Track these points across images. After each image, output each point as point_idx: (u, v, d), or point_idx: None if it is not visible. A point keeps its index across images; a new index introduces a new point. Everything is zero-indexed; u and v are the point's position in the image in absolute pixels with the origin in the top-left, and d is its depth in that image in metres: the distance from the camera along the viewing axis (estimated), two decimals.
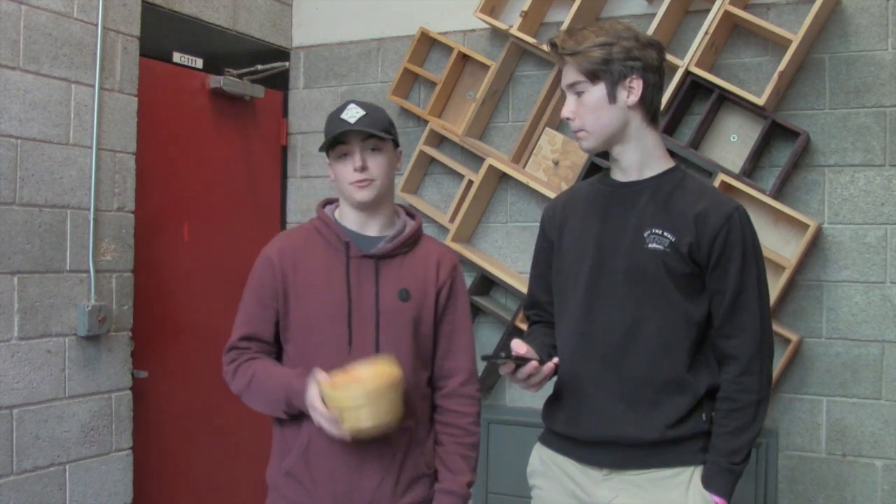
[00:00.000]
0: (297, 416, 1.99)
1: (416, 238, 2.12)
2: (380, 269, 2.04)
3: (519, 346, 1.87)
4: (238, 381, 2.04)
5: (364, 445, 1.95)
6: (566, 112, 1.94)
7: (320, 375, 1.88)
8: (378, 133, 2.01)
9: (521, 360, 1.84)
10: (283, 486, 2.03)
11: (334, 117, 2.03)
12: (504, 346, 3.44)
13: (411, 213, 2.19)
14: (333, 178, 2.08)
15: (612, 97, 1.89)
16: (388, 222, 2.10)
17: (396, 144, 2.11)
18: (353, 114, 2.00)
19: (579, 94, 1.91)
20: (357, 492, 1.98)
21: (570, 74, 1.92)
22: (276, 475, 2.06)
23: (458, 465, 2.07)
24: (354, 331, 1.99)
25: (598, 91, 1.89)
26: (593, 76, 1.88)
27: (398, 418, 1.90)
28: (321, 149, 2.05)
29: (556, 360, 1.90)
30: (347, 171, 2.02)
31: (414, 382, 2.02)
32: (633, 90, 1.90)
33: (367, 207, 2.05)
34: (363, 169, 2.00)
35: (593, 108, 1.90)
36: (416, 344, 2.04)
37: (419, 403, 2.05)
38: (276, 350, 2.09)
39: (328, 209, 2.13)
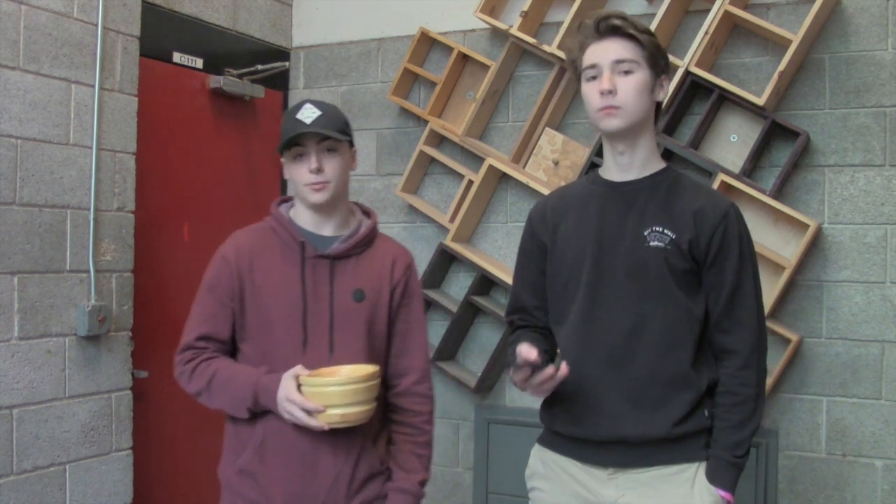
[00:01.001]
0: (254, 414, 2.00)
1: (371, 237, 2.12)
2: (335, 270, 2.04)
3: (529, 353, 1.85)
4: (196, 381, 2.02)
5: (318, 444, 1.97)
6: (608, 84, 1.88)
7: (300, 369, 1.91)
8: (332, 134, 2.00)
9: (538, 367, 1.83)
10: (237, 485, 2.03)
11: (290, 117, 2.02)
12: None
13: (367, 210, 2.19)
14: (288, 177, 2.07)
15: (652, 87, 1.93)
16: (344, 222, 2.10)
17: (352, 144, 2.11)
18: (309, 114, 1.99)
19: (627, 72, 1.89)
20: (312, 490, 1.98)
21: (626, 51, 1.89)
22: (229, 473, 2.05)
23: (411, 463, 2.08)
24: (309, 331, 2.00)
25: (646, 75, 1.91)
26: (650, 58, 1.91)
27: (373, 410, 1.94)
28: (279, 149, 2.03)
29: (565, 364, 1.88)
30: (303, 172, 2.01)
31: None
32: (663, 88, 1.96)
33: (323, 209, 2.05)
34: (319, 171, 2.00)
35: (639, 90, 1.90)
36: (371, 344, 2.05)
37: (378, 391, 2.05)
38: (232, 350, 2.08)
39: (283, 208, 2.13)
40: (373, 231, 2.13)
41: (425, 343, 2.16)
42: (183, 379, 2.05)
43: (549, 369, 1.83)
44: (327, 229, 2.07)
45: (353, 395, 1.87)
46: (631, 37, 1.89)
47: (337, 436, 1.96)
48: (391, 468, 2.09)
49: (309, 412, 1.87)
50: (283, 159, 2.07)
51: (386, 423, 2.12)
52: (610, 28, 1.91)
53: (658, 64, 1.93)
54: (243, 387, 1.96)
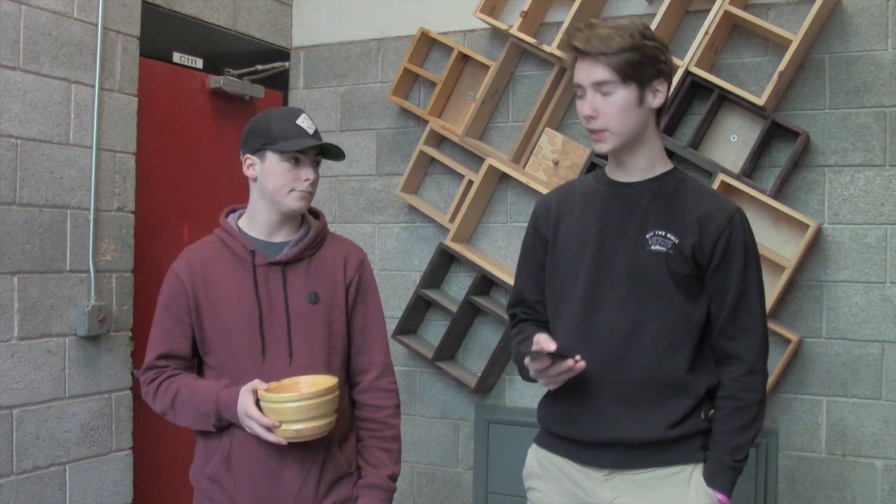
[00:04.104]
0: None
1: (321, 239, 2.12)
2: (287, 275, 2.05)
3: (548, 343, 1.85)
4: (161, 401, 2.04)
5: (284, 451, 1.97)
6: (588, 110, 1.88)
7: (257, 384, 1.91)
8: (334, 151, 2.06)
9: (559, 357, 1.81)
10: (207, 489, 2.05)
11: (289, 122, 2.02)
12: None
13: (316, 212, 2.20)
14: (255, 175, 2.05)
15: (641, 99, 1.87)
16: (296, 227, 2.11)
17: None
18: (309, 124, 2.03)
19: (605, 94, 1.86)
20: (279, 496, 1.99)
21: (598, 72, 1.85)
22: (199, 478, 2.07)
23: (378, 458, 2.09)
24: (267, 338, 2.01)
25: (628, 92, 1.85)
26: (626, 77, 1.84)
27: (332, 423, 1.93)
28: (288, 150, 2.00)
29: (579, 358, 1.84)
30: (294, 177, 2.02)
31: None
32: (659, 93, 1.89)
33: (292, 214, 2.07)
34: (314, 182, 2.04)
35: (622, 110, 1.86)
36: (331, 344, 2.06)
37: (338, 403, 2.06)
38: (195, 364, 2.10)
39: (231, 219, 2.13)
40: (322, 232, 2.13)
41: (385, 337, 2.17)
42: (148, 399, 2.08)
43: (569, 361, 1.80)
44: (279, 236, 2.08)
45: (308, 410, 1.86)
46: (604, 56, 1.83)
47: (302, 442, 1.95)
48: (360, 465, 2.10)
49: (268, 427, 1.88)
50: (251, 156, 2.05)
51: (353, 424, 2.13)
52: (580, 50, 1.86)
53: (644, 74, 1.85)
54: (205, 403, 1.97)
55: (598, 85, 1.86)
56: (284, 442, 1.89)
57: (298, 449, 1.98)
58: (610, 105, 1.86)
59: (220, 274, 2.05)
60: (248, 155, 2.06)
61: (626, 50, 1.82)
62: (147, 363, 2.07)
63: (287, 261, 2.05)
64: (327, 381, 1.94)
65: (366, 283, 2.15)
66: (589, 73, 1.86)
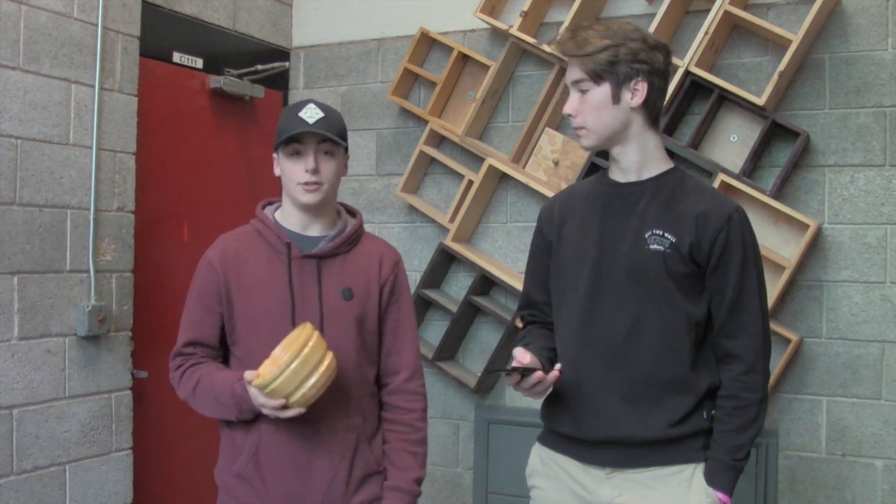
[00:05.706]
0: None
1: (357, 236, 2.12)
2: (322, 269, 2.04)
3: (522, 356, 1.89)
4: (184, 388, 2.04)
5: (313, 447, 1.97)
6: (568, 108, 1.96)
7: (247, 374, 1.88)
8: (334, 137, 2.00)
9: (527, 371, 1.86)
10: (233, 488, 2.04)
11: (292, 114, 2.01)
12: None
13: (352, 210, 2.19)
14: (279, 173, 2.06)
15: (616, 98, 1.90)
16: (331, 222, 2.10)
17: (346, 150, 2.11)
18: (312, 114, 1.99)
19: (583, 91, 1.92)
20: (308, 492, 1.99)
21: (575, 72, 1.93)
22: (226, 476, 2.06)
23: (405, 461, 2.08)
24: None
25: (601, 91, 1.90)
26: (597, 77, 1.90)
27: (333, 362, 1.88)
28: (276, 144, 2.02)
29: (558, 366, 1.91)
30: (298, 170, 2.00)
31: (360, 380, 2.04)
32: (637, 92, 1.91)
33: (311, 209, 2.05)
34: (315, 172, 1.99)
35: (596, 108, 1.91)
36: (361, 342, 2.05)
37: (366, 401, 2.06)
38: (223, 353, 2.10)
39: (268, 210, 2.13)
40: (358, 230, 2.13)
41: (416, 340, 2.16)
42: (175, 384, 2.08)
43: (537, 373, 1.86)
44: (314, 230, 2.07)
45: (296, 374, 1.81)
46: (577, 58, 1.90)
47: (331, 437, 1.96)
48: (386, 467, 2.09)
49: (280, 407, 1.86)
50: (275, 155, 2.07)
51: (381, 422, 2.12)
52: (561, 52, 1.94)
53: (618, 74, 1.88)
54: (223, 395, 1.97)
55: (576, 84, 1.93)
56: (303, 410, 1.85)
57: (328, 445, 1.98)
58: (585, 103, 1.93)
59: (253, 264, 2.04)
60: (274, 154, 2.07)
61: (599, 51, 1.88)
62: (175, 350, 2.08)
63: (322, 255, 2.04)
64: (297, 335, 1.87)
65: (400, 285, 2.13)
66: (569, 73, 1.95)
